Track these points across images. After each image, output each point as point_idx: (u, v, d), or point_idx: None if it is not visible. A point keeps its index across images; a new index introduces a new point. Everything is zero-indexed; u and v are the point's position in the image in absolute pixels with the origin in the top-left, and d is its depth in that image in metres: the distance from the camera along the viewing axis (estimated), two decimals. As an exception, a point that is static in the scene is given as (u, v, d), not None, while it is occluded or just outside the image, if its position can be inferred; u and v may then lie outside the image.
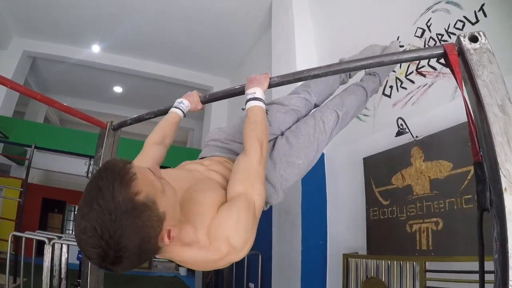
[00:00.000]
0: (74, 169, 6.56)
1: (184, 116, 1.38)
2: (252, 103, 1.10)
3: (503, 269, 0.71)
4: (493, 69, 0.84)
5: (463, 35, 0.89)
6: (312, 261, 3.01)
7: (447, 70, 2.22)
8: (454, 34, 2.13)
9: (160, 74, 6.37)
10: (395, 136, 2.32)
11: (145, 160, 1.15)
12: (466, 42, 0.87)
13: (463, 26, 2.07)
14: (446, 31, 2.20)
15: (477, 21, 1.98)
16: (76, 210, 0.77)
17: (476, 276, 1.60)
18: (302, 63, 3.77)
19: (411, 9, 2.54)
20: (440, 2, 2.26)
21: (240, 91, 1.25)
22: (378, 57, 1.13)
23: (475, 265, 1.60)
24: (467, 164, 1.81)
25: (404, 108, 2.55)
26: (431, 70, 2.32)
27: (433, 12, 2.32)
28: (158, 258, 8.94)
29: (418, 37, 2.45)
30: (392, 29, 2.73)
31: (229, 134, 1.37)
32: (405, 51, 1.04)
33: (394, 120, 2.58)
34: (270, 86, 1.22)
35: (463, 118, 1.88)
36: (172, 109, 1.36)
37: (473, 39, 0.87)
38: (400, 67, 2.61)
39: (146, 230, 0.66)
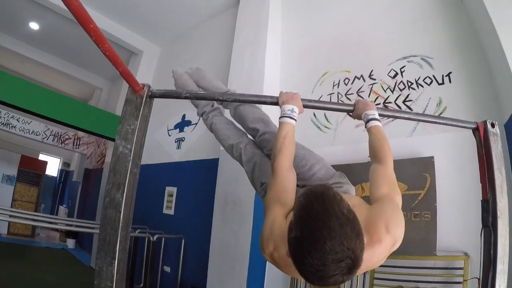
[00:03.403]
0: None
1: None
2: (375, 122, 1.52)
3: (494, 262, 1.44)
4: (499, 147, 1.56)
5: (488, 121, 1.59)
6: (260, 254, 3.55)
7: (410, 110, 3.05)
8: (422, 86, 2.99)
9: (86, 20, 5.97)
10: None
11: (290, 193, 1.36)
12: (489, 126, 1.58)
13: (431, 83, 2.94)
14: (416, 81, 3.05)
15: (443, 83, 2.86)
16: (297, 243, 0.89)
17: (417, 271, 2.47)
18: (270, 61, 4.29)
19: (389, 50, 3.32)
20: (416, 56, 3.10)
21: (347, 110, 1.66)
22: (418, 114, 1.80)
23: (417, 263, 2.48)
24: (419, 188, 2.68)
25: (366, 132, 3.33)
26: (396, 107, 3.16)
27: (408, 61, 3.15)
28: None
29: (390, 77, 3.26)
30: (367, 60, 3.48)
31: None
32: (444, 117, 1.71)
33: (354, 138, 3.36)
34: None
35: (418, 154, 2.79)
36: (289, 121, 1.48)
37: (493, 125, 1.58)
38: (369, 96, 3.42)
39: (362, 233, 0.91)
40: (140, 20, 6.23)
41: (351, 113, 1.68)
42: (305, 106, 1.62)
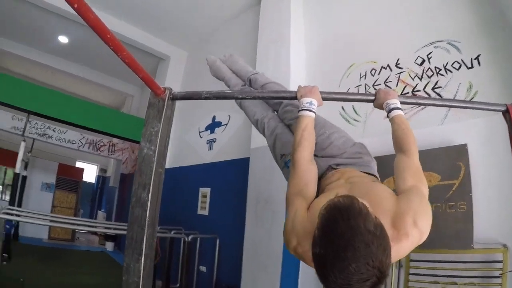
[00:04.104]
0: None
1: None
2: (398, 111, 1.48)
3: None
4: (531, 127, 1.50)
5: (518, 102, 1.52)
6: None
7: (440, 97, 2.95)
8: (451, 71, 2.87)
9: (113, 30, 6.15)
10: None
11: (312, 185, 1.38)
12: (519, 107, 1.51)
13: (459, 67, 2.82)
14: (444, 67, 2.94)
15: (472, 67, 2.73)
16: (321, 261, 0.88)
17: (453, 265, 2.39)
18: (294, 58, 4.28)
19: (414, 37, 3.22)
20: (442, 41, 2.99)
21: (368, 99, 1.64)
22: (443, 100, 1.74)
23: (454, 257, 2.40)
24: (453, 178, 2.58)
25: (394, 122, 3.26)
26: (426, 95, 3.06)
27: (435, 47, 3.04)
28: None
29: (418, 64, 3.15)
30: (392, 49, 3.40)
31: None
32: (471, 101, 1.65)
33: (383, 130, 3.28)
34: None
35: (450, 142, 2.68)
36: (307, 114, 1.51)
37: (523, 105, 1.51)
38: (397, 85, 3.33)
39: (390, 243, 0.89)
40: (165, 26, 6.38)
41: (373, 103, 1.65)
42: (324, 99, 1.62)
